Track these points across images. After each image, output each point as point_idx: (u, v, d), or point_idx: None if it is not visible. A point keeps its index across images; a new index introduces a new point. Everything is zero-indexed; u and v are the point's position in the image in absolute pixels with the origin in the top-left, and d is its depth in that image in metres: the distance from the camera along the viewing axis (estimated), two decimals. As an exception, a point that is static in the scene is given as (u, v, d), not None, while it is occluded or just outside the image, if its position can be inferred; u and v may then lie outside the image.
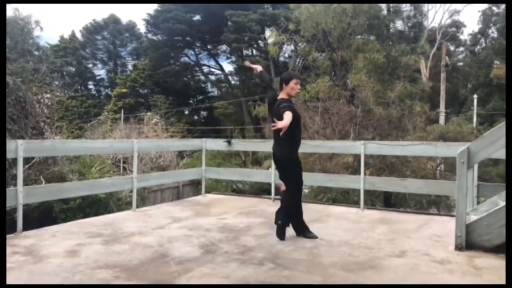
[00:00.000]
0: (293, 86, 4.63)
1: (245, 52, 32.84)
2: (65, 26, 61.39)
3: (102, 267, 3.61)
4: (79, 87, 38.01)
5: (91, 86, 41.05)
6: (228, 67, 36.26)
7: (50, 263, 3.69)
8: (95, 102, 35.97)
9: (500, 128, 4.28)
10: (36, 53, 12.85)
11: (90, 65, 40.35)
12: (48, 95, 13.10)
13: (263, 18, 29.17)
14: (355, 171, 11.50)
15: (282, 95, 4.67)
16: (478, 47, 36.53)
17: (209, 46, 35.19)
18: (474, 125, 20.23)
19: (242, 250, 4.14)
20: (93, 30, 39.06)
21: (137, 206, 6.38)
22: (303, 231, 4.69)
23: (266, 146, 6.90)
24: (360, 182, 6.39)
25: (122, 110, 29.65)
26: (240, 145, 8.70)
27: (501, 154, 5.41)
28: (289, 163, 4.64)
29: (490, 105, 27.84)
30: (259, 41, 31.55)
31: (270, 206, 6.54)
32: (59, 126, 14.84)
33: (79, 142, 7.46)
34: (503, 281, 3.32)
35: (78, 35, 39.65)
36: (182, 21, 31.72)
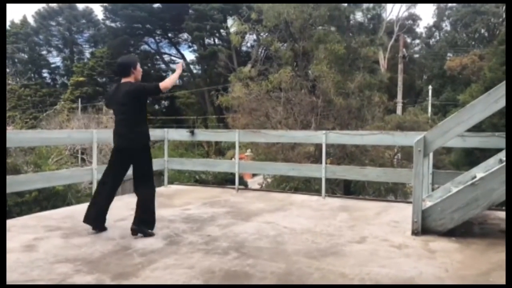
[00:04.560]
0: (140, 69, 4.48)
1: (207, 40, 32.50)
2: (15, 10, 58.21)
3: (62, 261, 3.51)
4: (32, 75, 36.37)
5: (45, 74, 39.38)
6: (190, 55, 35.87)
7: (6, 259, 3.54)
8: (50, 91, 34.59)
9: (453, 118, 4.49)
10: (-16, 38, 12.16)
11: (44, 52, 38.64)
12: (-1, 83, 12.44)
13: (225, 6, 28.92)
14: (317, 160, 11.72)
15: (130, 79, 4.37)
16: (433, 39, 37.95)
17: (170, 34, 34.56)
18: (429, 115, 21.06)
19: (206, 240, 4.14)
20: (46, 15, 37.36)
21: (98, 198, 6.21)
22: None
23: (229, 136, 6.90)
24: (321, 171, 6.53)
25: (80, 100, 28.70)
26: (203, 135, 8.64)
27: (453, 143, 5.71)
28: None
29: (444, 95, 29.07)
30: (221, 30, 31.28)
31: (234, 196, 6.58)
32: (11, 116, 14.19)
33: (34, 132, 7.13)
34: (455, 263, 3.52)
35: (30, 20, 37.86)
36: (142, 8, 30.95)
